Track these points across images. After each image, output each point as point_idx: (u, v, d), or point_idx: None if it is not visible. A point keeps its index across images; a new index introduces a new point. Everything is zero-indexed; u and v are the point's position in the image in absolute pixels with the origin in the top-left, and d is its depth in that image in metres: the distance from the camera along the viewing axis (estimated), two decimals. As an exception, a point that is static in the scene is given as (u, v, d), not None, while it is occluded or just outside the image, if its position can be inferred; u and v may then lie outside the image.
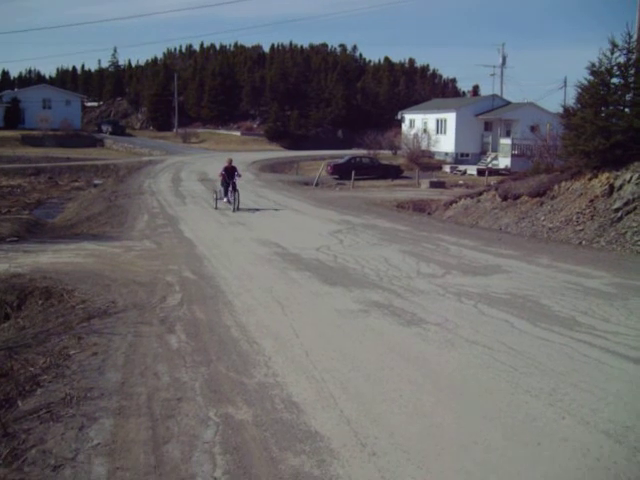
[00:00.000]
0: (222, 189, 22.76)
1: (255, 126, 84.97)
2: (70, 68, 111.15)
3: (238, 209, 21.77)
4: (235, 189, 22.29)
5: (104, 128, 79.29)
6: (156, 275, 11.32)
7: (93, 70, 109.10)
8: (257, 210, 22.16)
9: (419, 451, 4.71)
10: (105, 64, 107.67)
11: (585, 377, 6.15)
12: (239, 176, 22.86)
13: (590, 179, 19.66)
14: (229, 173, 22.41)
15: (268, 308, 9.04)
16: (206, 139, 77.63)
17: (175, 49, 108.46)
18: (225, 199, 22.46)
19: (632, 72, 19.63)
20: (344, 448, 4.75)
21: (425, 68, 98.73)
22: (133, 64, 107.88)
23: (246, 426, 5.15)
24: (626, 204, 17.58)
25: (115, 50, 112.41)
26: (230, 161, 23.23)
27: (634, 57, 19.89)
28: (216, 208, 22.29)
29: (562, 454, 4.66)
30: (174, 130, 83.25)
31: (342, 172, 40.55)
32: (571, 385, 5.94)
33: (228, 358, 6.83)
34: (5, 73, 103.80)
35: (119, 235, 16.79)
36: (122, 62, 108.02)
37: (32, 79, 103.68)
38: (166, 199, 25.83)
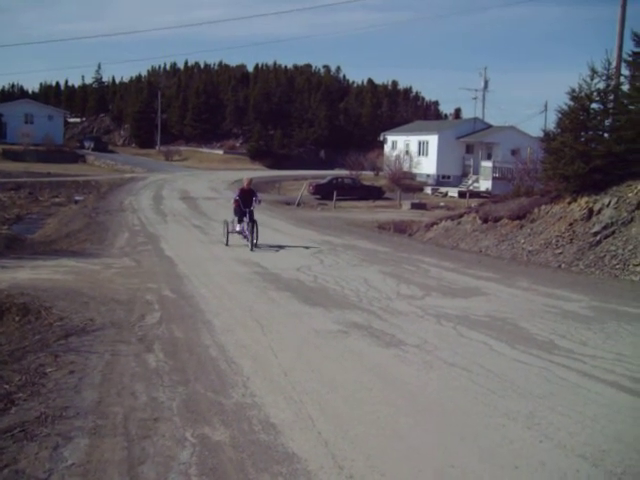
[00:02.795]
0: (235, 219, 18.20)
1: (238, 145, 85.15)
2: (54, 84, 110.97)
3: (257, 246, 17.26)
4: (252, 219, 17.55)
5: (86, 144, 79.13)
6: (135, 293, 11.25)
7: (76, 86, 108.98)
8: (281, 247, 17.74)
9: (396, 474, 4.70)
10: (89, 80, 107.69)
11: (562, 400, 6.17)
12: (259, 202, 18.34)
13: (569, 203, 19.85)
14: (246, 198, 17.82)
15: (247, 328, 9.01)
16: (189, 157, 77.69)
17: (159, 67, 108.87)
18: (238, 229, 17.97)
19: (611, 98, 19.94)
20: (321, 470, 4.73)
21: (408, 90, 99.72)
22: (117, 81, 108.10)
23: (223, 447, 5.11)
24: (605, 228, 17.75)
25: (99, 66, 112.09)
26: (249, 182, 18.57)
27: (613, 83, 20.23)
28: (227, 244, 17.70)
29: (539, 478, 4.66)
30: (157, 147, 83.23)
31: (324, 192, 40.70)
32: (548, 408, 5.96)
33: (206, 378, 6.79)
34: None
35: (99, 252, 16.68)
36: (106, 79, 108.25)
37: (15, 93, 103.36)
38: (147, 217, 25.74)
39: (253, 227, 17.25)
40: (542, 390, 6.47)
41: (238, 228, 17.89)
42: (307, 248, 17.41)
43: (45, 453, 5.13)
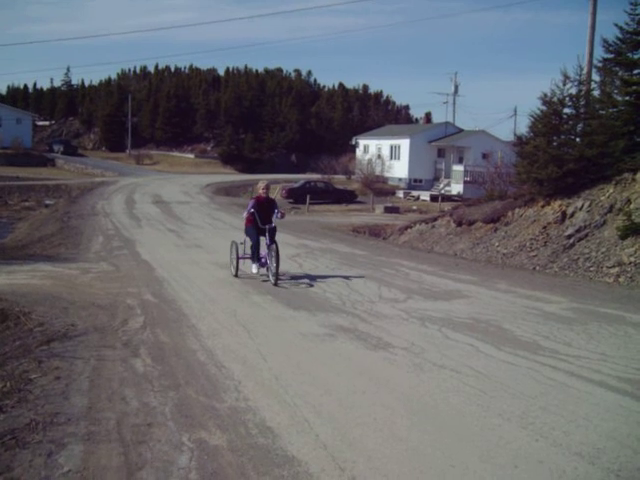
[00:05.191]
0: (247, 240, 13.54)
1: (209, 149, 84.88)
2: (21, 86, 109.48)
3: (279, 279, 12.67)
4: (273, 240, 12.81)
5: (55, 148, 78.17)
6: (116, 298, 11.14)
7: (45, 89, 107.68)
8: (312, 283, 12.79)
9: (398, 475, 4.71)
10: (58, 83, 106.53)
11: (553, 400, 6.24)
12: (281, 216, 13.25)
13: (543, 206, 20.12)
14: (263, 211, 13.10)
15: (233, 332, 8.97)
16: (160, 161, 77.26)
17: (129, 70, 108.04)
18: (254, 270, 13.21)
19: (583, 103, 20.27)
20: (323, 472, 4.72)
21: (379, 94, 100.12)
22: (86, 84, 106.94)
23: (221, 451, 5.08)
24: (578, 231, 18.01)
25: (68, 69, 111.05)
26: (266, 188, 13.51)
27: (585, 89, 20.55)
28: (236, 275, 13.42)
29: (539, 476, 4.71)
30: (127, 151, 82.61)
31: (297, 196, 40.74)
32: (540, 408, 6.02)
33: (197, 382, 6.74)
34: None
35: (75, 257, 16.50)
36: (75, 82, 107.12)
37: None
38: (121, 221, 25.52)
39: (273, 253, 12.62)
40: (532, 390, 6.53)
41: (254, 270, 13.24)
42: (284, 251, 17.36)
43: (39, 460, 5.05)
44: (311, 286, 12.47)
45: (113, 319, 9.64)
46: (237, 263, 13.53)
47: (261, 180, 14.18)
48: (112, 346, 8.23)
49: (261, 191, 13.43)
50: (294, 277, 13.44)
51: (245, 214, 13.35)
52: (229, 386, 6.63)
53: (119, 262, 15.34)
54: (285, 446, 5.15)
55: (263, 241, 13.13)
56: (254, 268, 13.20)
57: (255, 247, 13.11)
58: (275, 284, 12.39)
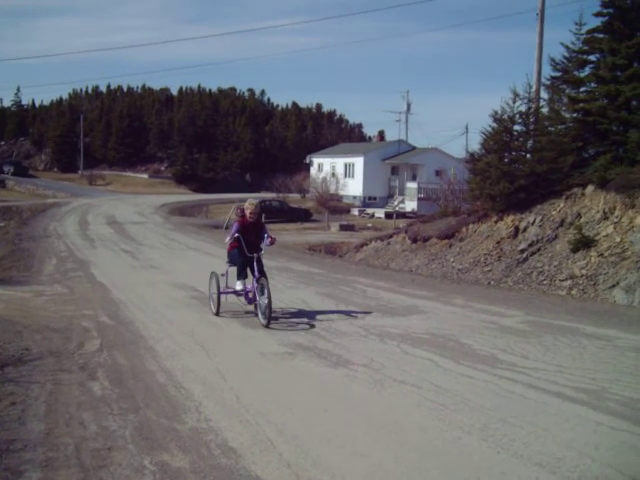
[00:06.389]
0: (228, 270, 11.66)
1: (163, 169, 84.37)
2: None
3: (270, 316, 10.44)
4: (262, 271, 10.94)
5: (5, 169, 76.79)
6: (71, 320, 10.95)
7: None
8: (310, 326, 10.56)
9: (362, 491, 4.71)
10: (7, 103, 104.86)
11: (512, 412, 6.32)
12: (271, 241, 11.14)
13: (496, 221, 20.47)
14: (251, 236, 11.17)
15: (192, 352, 8.89)
16: (113, 181, 76.52)
17: (81, 90, 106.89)
18: (239, 287, 11.28)
19: (533, 120, 20.77)
20: (287, 491, 4.70)
21: (332, 113, 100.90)
22: (37, 104, 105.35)
23: (184, 473, 5.02)
24: (531, 245, 18.37)
25: (18, 89, 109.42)
26: (253, 209, 11.28)
27: (534, 106, 21.05)
28: (217, 314, 11.40)
29: (501, 488, 4.77)
30: (79, 172, 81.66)
31: (252, 215, 40.57)
32: (500, 420, 6.10)
33: (157, 404, 6.66)
34: None
35: (27, 279, 16.18)
36: (25, 102, 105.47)
37: None
38: (74, 243, 25.11)
39: (261, 286, 10.61)
40: (492, 403, 6.61)
41: (239, 287, 11.31)
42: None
43: (-4, 488, 4.93)
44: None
45: (69, 342, 9.47)
46: (218, 299, 11.43)
47: (249, 200, 11.81)
48: (68, 370, 8.08)
49: (248, 212, 11.29)
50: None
51: (228, 240, 11.35)
52: (190, 407, 6.56)
53: (73, 284, 15.09)
54: (248, 466, 5.12)
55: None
56: (238, 285, 11.33)
57: (242, 268, 11.19)
58: (267, 325, 10.33)
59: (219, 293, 11.41)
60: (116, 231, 30.43)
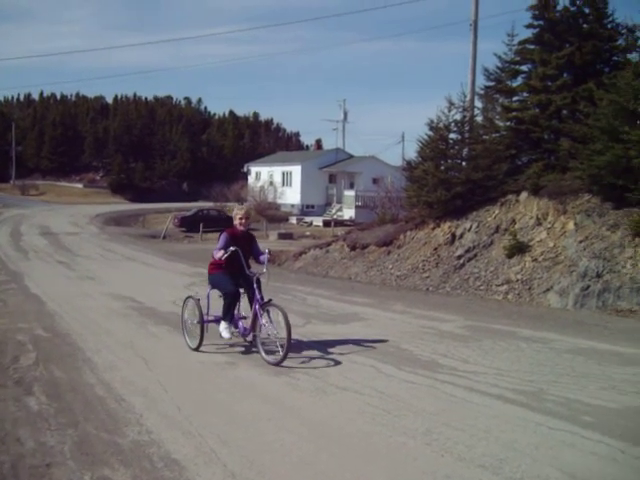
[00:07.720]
0: (210, 292, 9.52)
1: (98, 178, 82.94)
2: None
3: (284, 358, 8.35)
4: (262, 299, 8.85)
5: None
6: (5, 334, 10.60)
7: None
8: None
9: (309, 499, 4.69)
10: None
11: (455, 416, 6.40)
12: (268, 258, 9.17)
13: (434, 228, 20.71)
14: (242, 247, 9.02)
15: (131, 364, 8.72)
16: (46, 191, 74.82)
17: (12, 97, 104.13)
18: (226, 335, 9.08)
19: (467, 128, 21.13)
20: (233, 502, 4.64)
21: (269, 122, 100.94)
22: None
23: (126, 487, 4.91)
24: (467, 251, 18.65)
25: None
26: (243, 214, 9.28)
27: (469, 115, 21.44)
28: (197, 349, 9.21)
29: (446, 491, 4.81)
30: (11, 181, 79.52)
31: (190, 225, 40.37)
32: (443, 424, 6.16)
33: (96, 418, 6.49)
34: None
35: (-44, 293, 15.61)
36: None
37: None
38: (6, 254, 24.40)
39: (283, 315, 8.46)
40: (434, 407, 6.68)
41: (225, 334, 9.12)
42: (180, 280, 17.10)
43: None
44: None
45: (3, 356, 9.16)
46: (202, 330, 9.12)
47: (237, 207, 10.34)
48: (3, 385, 7.82)
49: (237, 221, 9.27)
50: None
51: (216, 255, 9.01)
52: (130, 420, 6.43)
53: (6, 297, 14.64)
54: (193, 478, 5.03)
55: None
56: (225, 332, 9.02)
57: (232, 304, 9.06)
58: (278, 364, 8.31)
59: (202, 322, 9.14)
60: (50, 242, 29.72)
